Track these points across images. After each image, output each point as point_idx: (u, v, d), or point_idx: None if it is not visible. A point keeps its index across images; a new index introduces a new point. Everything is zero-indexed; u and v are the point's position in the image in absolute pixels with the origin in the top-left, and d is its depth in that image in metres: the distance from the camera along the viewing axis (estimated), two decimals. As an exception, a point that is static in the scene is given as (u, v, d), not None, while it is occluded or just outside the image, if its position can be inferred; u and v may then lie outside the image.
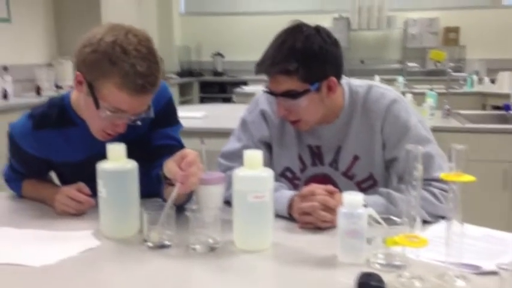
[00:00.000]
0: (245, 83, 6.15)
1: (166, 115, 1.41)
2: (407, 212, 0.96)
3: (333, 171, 1.44)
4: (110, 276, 1.04)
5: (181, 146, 1.41)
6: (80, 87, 1.24)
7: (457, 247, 0.96)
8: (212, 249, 1.10)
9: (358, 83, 1.42)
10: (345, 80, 1.40)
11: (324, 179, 1.43)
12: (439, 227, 1.22)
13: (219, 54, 7.05)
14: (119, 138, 1.24)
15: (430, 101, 3.03)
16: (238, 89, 5.21)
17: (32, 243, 1.14)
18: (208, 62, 7.11)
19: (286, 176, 1.47)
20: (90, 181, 1.22)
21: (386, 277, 0.92)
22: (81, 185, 1.32)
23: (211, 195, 1.21)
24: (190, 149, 1.17)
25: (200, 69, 7.14)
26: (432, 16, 6.76)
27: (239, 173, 1.10)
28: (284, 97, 1.30)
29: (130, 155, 1.20)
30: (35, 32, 5.03)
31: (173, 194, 1.11)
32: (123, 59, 1.15)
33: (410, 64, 6.40)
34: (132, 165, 1.18)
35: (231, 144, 1.48)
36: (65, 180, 1.43)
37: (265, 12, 6.81)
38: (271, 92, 1.33)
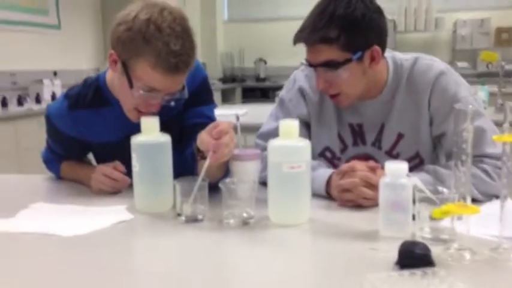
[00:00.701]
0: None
1: (201, 94, 1.38)
2: (456, 189, 0.88)
3: (376, 151, 1.36)
4: (140, 247, 1.02)
5: None
6: (114, 66, 1.23)
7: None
8: (246, 223, 1.06)
9: (404, 56, 1.34)
10: (389, 54, 1.33)
11: (366, 160, 1.35)
12: (492, 205, 1.13)
13: (262, 60, 7.04)
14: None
15: (481, 94, 2.88)
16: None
17: (65, 216, 1.13)
18: (251, 68, 7.10)
19: (325, 156, 1.41)
20: (127, 162, 1.21)
21: (433, 249, 0.84)
22: (117, 163, 1.30)
23: (246, 171, 1.17)
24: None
25: (243, 75, 7.14)
26: (483, 16, 6.50)
27: (274, 142, 1.05)
28: (324, 67, 1.23)
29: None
30: (84, 39, 5.19)
31: (205, 164, 1.07)
32: (156, 37, 1.13)
33: (460, 65, 6.17)
34: (166, 138, 1.16)
35: (268, 124, 1.43)
36: (102, 162, 1.43)
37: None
38: (310, 64, 1.27)
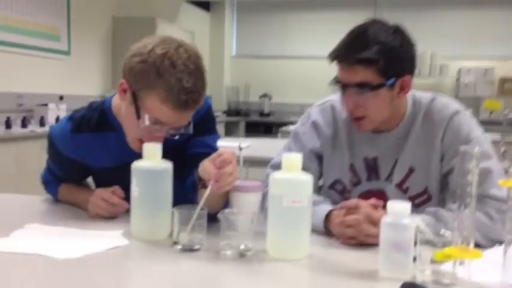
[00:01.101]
0: (291, 124, 6.13)
1: (205, 123, 1.38)
2: (459, 232, 0.86)
3: (388, 184, 1.36)
4: (133, 273, 1.00)
5: None
6: (124, 95, 1.24)
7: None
8: (243, 255, 1.03)
9: (423, 94, 1.37)
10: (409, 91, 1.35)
11: (378, 195, 1.34)
12: (496, 251, 1.10)
13: (267, 96, 7.10)
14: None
15: (484, 141, 2.88)
16: (284, 128, 5.19)
17: (59, 238, 1.11)
18: (256, 102, 7.16)
19: (335, 189, 1.41)
20: (127, 188, 1.19)
21: (434, 293, 0.82)
22: (116, 188, 1.29)
23: (246, 203, 1.15)
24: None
25: (247, 109, 7.20)
26: (487, 66, 6.58)
27: (275, 175, 1.04)
28: (358, 88, 1.24)
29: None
30: (92, 66, 5.25)
31: (206, 192, 1.06)
32: (170, 73, 1.15)
33: (463, 112, 6.20)
34: (167, 165, 1.15)
35: (280, 156, 1.42)
36: (102, 186, 1.41)
37: (313, 57, 6.85)
38: (341, 83, 1.27)
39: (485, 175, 1.20)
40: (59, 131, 1.38)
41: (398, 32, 1.26)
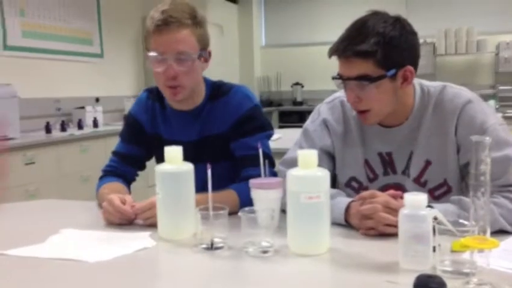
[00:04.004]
0: (324, 112, 6.07)
1: (245, 124, 1.47)
2: (476, 222, 0.86)
3: (406, 179, 1.35)
4: (160, 274, 1.04)
5: (266, 155, 1.35)
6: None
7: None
8: (265, 252, 1.06)
9: (431, 83, 1.35)
10: (416, 80, 1.33)
11: (397, 189, 1.34)
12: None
13: (298, 84, 7.07)
14: (197, 133, 1.47)
15: (521, 119, 2.79)
16: (316, 116, 5.16)
17: (91, 243, 1.17)
18: (288, 91, 7.15)
19: (351, 186, 1.41)
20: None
21: (452, 283, 0.82)
22: (128, 197, 1.32)
23: (266, 200, 1.18)
24: None
25: (280, 99, 7.19)
26: (527, 38, 6.32)
27: (292, 172, 1.06)
28: (357, 81, 1.22)
29: (205, 153, 1.31)
30: (125, 67, 5.37)
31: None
32: (150, 16, 1.37)
33: (503, 88, 5.99)
34: (188, 167, 1.18)
35: (292, 152, 1.44)
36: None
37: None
38: (342, 77, 1.26)
39: (506, 163, 1.18)
40: (136, 101, 1.63)
41: (398, 22, 1.23)
